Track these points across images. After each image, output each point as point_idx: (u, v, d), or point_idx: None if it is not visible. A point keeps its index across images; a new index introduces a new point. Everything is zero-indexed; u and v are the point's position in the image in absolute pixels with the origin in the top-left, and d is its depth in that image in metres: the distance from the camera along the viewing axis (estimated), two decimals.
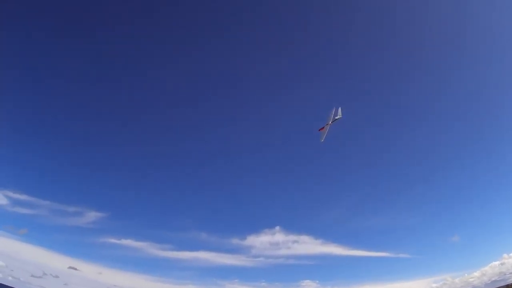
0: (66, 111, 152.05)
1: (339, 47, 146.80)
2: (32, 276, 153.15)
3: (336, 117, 34.29)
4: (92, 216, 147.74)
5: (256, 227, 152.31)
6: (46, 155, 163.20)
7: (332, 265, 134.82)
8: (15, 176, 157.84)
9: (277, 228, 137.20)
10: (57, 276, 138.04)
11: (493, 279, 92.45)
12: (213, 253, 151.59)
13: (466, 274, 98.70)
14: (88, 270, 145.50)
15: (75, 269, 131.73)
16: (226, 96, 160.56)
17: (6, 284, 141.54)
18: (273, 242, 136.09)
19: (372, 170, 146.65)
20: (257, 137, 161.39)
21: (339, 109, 33.31)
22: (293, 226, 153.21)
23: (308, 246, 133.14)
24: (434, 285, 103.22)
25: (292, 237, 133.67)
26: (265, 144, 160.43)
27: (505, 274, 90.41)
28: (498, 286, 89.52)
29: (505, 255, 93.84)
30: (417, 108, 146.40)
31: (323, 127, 32.99)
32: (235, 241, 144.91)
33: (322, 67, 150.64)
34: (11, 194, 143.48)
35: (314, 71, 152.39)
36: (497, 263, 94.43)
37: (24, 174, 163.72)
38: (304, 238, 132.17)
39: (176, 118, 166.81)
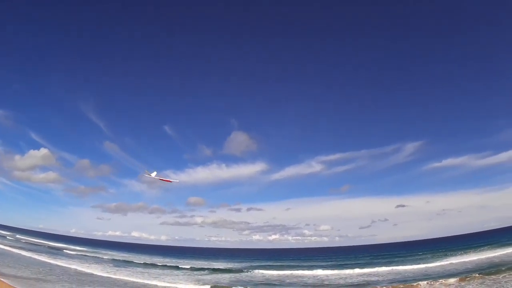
0: None
1: None
2: (360, 228, 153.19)
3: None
4: (410, 148, 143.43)
5: None
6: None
7: None
8: (328, 138, 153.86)
9: None
10: (385, 220, 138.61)
11: None
12: None
13: None
14: (415, 203, 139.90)
15: (403, 206, 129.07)
16: None
17: (334, 245, 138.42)
18: None
19: None
20: None
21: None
22: None
23: None
24: None
25: None
26: None
27: None
28: None
29: None
30: None
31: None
32: None
33: None
34: (323, 158, 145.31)
35: None
36: None
37: (336, 134, 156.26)
38: None
39: None
